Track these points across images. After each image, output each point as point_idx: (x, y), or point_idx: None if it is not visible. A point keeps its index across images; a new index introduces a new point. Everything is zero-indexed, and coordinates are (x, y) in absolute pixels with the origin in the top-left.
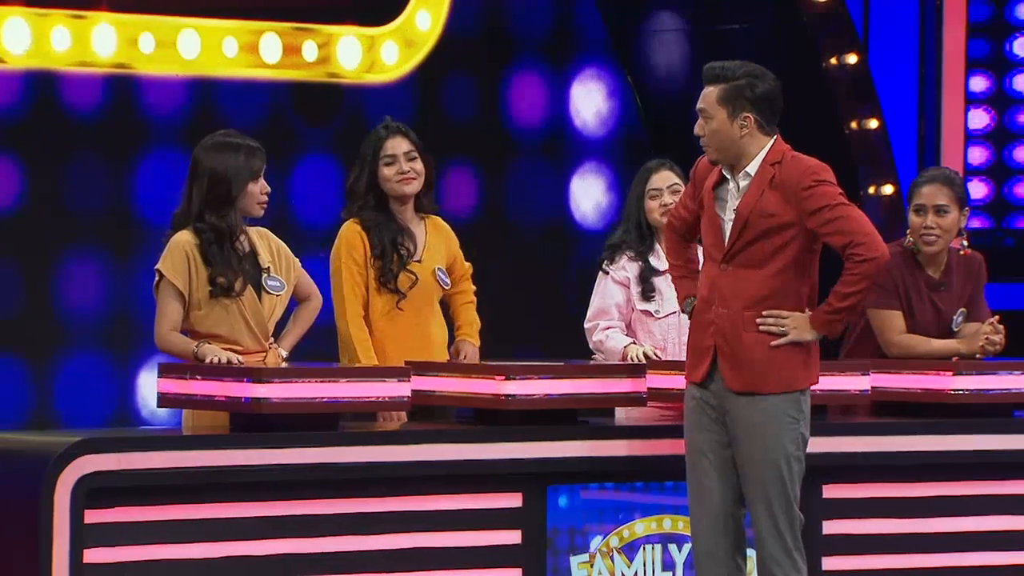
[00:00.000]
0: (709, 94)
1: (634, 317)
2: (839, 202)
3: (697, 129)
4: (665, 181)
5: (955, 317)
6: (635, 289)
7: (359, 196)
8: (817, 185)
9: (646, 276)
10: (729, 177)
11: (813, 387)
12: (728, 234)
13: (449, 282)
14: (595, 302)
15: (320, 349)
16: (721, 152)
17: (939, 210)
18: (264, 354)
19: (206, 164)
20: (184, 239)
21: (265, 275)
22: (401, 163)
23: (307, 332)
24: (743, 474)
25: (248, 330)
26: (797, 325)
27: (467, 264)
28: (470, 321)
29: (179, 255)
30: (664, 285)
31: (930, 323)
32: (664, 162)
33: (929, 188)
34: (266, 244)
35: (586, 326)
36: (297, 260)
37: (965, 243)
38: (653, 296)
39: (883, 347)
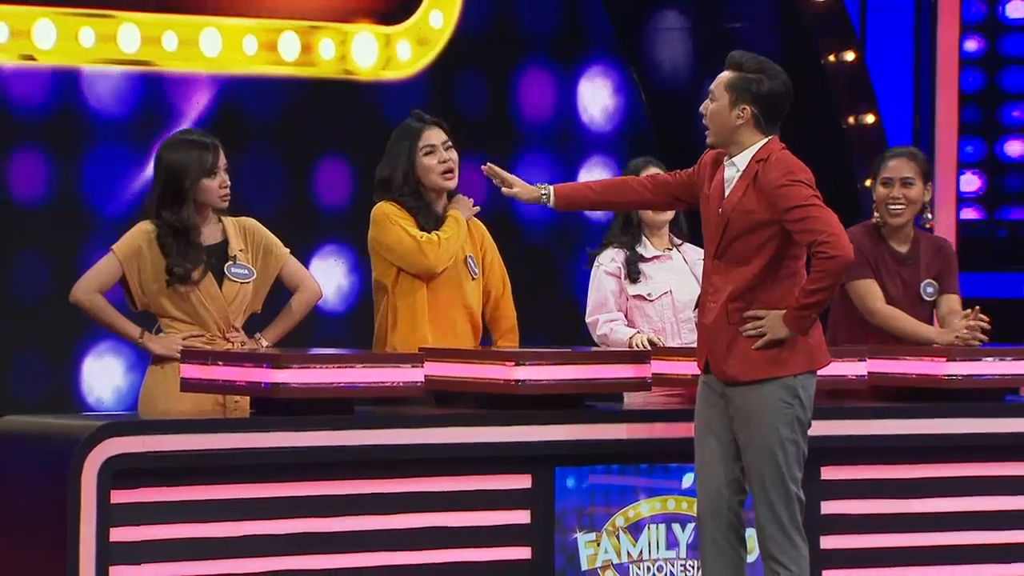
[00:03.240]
0: (722, 77)
1: (629, 305)
2: (810, 203)
3: (702, 107)
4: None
5: (923, 286)
6: (623, 277)
7: (395, 186)
8: (791, 185)
9: (632, 260)
10: (724, 164)
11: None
12: (720, 224)
13: (479, 271)
14: (592, 296)
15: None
16: (716, 135)
17: (905, 182)
18: (229, 343)
19: (164, 161)
20: (145, 229)
21: (230, 263)
22: (440, 152)
23: (299, 323)
24: (744, 458)
25: (210, 317)
26: (772, 324)
27: (506, 282)
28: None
29: (134, 242)
30: (652, 270)
31: (900, 295)
32: (649, 160)
33: (895, 162)
34: (242, 233)
35: (588, 320)
36: (285, 250)
37: (929, 215)
38: (639, 278)
39: (865, 315)
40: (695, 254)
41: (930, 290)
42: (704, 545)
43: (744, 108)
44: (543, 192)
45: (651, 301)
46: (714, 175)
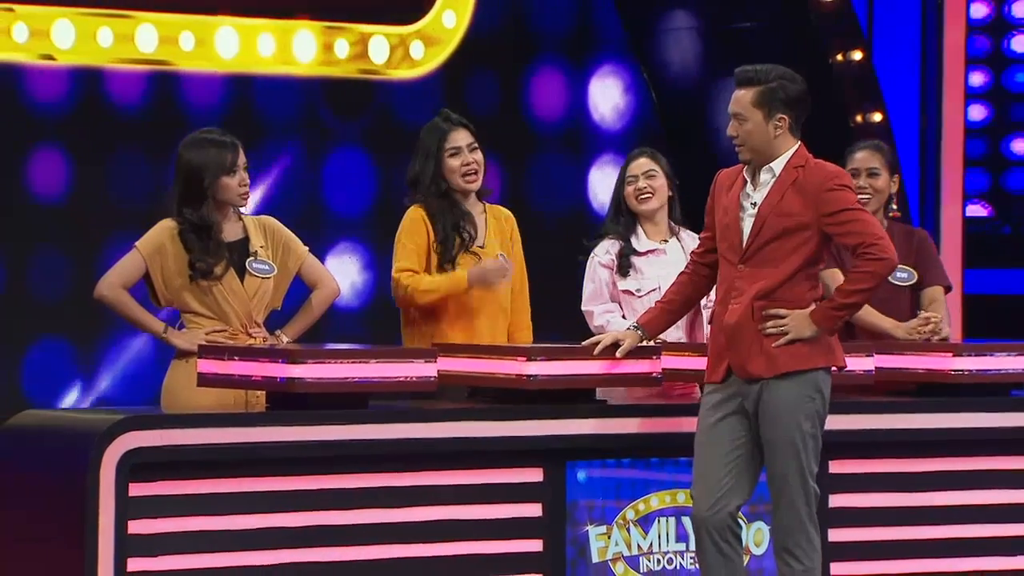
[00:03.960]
0: (743, 97)
1: (619, 298)
2: (856, 207)
3: (731, 131)
4: (640, 168)
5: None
6: (615, 271)
7: (424, 185)
8: (839, 189)
9: (625, 253)
10: (749, 180)
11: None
12: (747, 234)
13: (513, 268)
14: (588, 286)
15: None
16: (755, 153)
17: (871, 172)
18: (251, 338)
19: (184, 159)
20: (167, 226)
21: (251, 258)
22: (465, 154)
23: (318, 319)
24: (765, 452)
25: (233, 312)
26: (796, 323)
27: (523, 277)
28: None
29: (157, 239)
30: (643, 264)
31: None
32: (644, 151)
33: (862, 154)
34: (262, 231)
35: (584, 309)
36: (304, 248)
37: (894, 205)
38: (630, 272)
39: None
40: (694, 242)
41: (902, 275)
42: (704, 549)
43: (781, 117)
44: (639, 332)
45: (639, 297)
46: (731, 187)
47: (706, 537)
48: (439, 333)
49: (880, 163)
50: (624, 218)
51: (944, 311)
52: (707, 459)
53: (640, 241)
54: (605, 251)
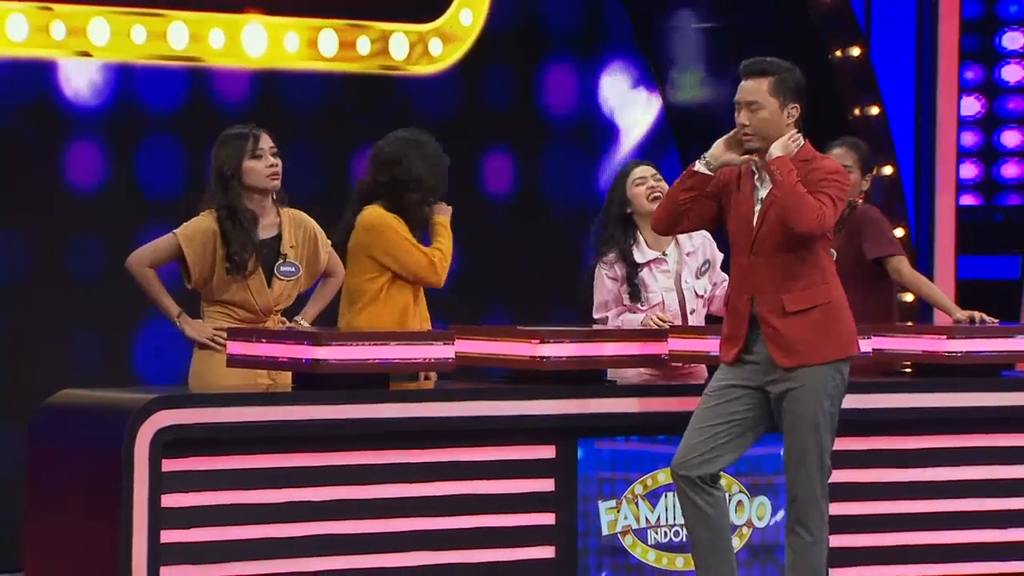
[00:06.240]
0: (758, 86)
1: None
2: (837, 182)
3: (744, 119)
4: (647, 171)
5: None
6: (623, 289)
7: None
8: (832, 175)
9: (631, 277)
10: (756, 176)
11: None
12: (755, 219)
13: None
14: (598, 296)
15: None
16: (766, 143)
17: (844, 169)
18: (267, 321)
19: (214, 157)
20: (207, 216)
21: (281, 261)
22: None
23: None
24: (786, 432)
25: (255, 305)
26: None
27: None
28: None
29: (196, 226)
30: (648, 277)
31: None
32: (640, 160)
33: (839, 150)
34: (295, 228)
35: (596, 316)
36: (328, 241)
37: (859, 201)
38: (640, 295)
39: None
40: (689, 242)
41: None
42: (681, 498)
43: (793, 107)
44: None
45: (643, 311)
46: (739, 179)
47: (680, 487)
48: None
49: (853, 160)
50: (628, 226)
51: (915, 274)
52: (694, 426)
53: (641, 251)
54: (611, 266)
